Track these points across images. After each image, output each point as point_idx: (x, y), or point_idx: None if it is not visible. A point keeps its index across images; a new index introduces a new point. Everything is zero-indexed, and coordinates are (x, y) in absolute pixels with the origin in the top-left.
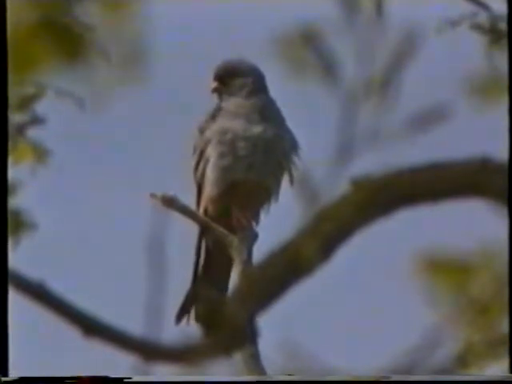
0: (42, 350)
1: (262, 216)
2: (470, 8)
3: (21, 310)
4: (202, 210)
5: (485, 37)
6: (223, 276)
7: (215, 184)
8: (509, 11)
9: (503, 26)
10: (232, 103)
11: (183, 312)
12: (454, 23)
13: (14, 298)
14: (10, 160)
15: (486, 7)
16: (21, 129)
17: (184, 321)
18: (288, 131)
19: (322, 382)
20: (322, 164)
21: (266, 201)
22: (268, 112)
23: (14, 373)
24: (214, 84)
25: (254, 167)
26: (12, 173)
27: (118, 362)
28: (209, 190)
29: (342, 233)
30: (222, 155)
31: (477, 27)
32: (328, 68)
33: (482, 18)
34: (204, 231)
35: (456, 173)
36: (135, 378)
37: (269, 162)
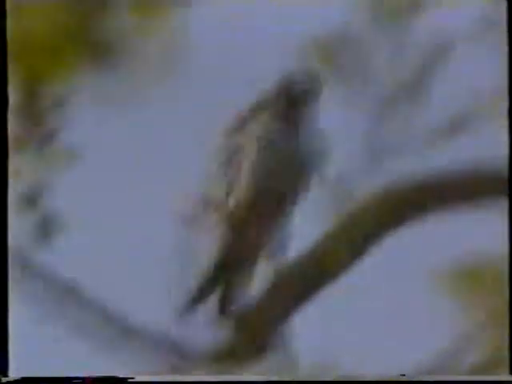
0: (43, 350)
1: (288, 223)
2: (497, 16)
3: (21, 310)
4: (228, 211)
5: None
6: (246, 277)
7: (246, 190)
8: (509, 12)
9: None
10: (279, 111)
11: (197, 300)
12: (482, 32)
13: (14, 298)
14: (42, 164)
15: None
16: (52, 133)
17: (196, 309)
18: (321, 142)
19: (324, 382)
20: (352, 170)
21: (292, 209)
22: (307, 125)
23: (14, 373)
24: None
25: (286, 176)
26: (43, 176)
27: (124, 362)
28: (239, 194)
29: (371, 237)
30: (256, 162)
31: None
32: (359, 74)
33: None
34: (232, 232)
35: (483, 180)
36: (139, 378)
37: (300, 172)
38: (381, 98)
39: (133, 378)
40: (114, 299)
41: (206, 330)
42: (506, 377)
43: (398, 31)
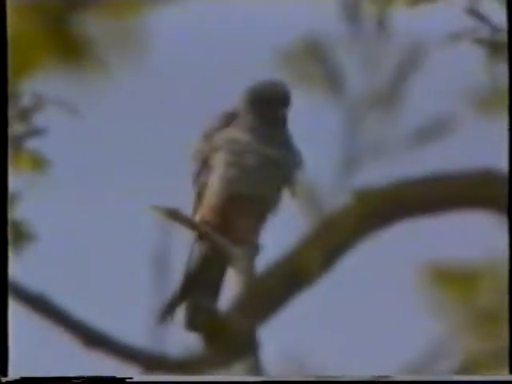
0: (43, 350)
1: (262, 229)
2: (472, 21)
3: (21, 310)
4: (199, 218)
5: (486, 50)
6: (215, 285)
7: (218, 194)
8: (509, 21)
9: (504, 38)
10: (251, 118)
11: (168, 312)
12: (456, 37)
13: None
14: (10, 170)
15: (487, 21)
16: (20, 140)
17: (167, 321)
18: (295, 148)
19: (322, 382)
20: (325, 176)
21: (266, 215)
22: (280, 131)
23: (14, 373)
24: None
25: (259, 181)
26: (12, 183)
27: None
28: (211, 199)
29: (345, 244)
30: (229, 166)
31: (479, 41)
32: (332, 80)
33: (484, 31)
34: (203, 240)
35: (458, 185)
36: (137, 378)
37: (274, 178)
38: (353, 107)
39: (131, 378)
40: (84, 309)
41: (177, 338)
42: (506, 377)
43: (372, 36)
